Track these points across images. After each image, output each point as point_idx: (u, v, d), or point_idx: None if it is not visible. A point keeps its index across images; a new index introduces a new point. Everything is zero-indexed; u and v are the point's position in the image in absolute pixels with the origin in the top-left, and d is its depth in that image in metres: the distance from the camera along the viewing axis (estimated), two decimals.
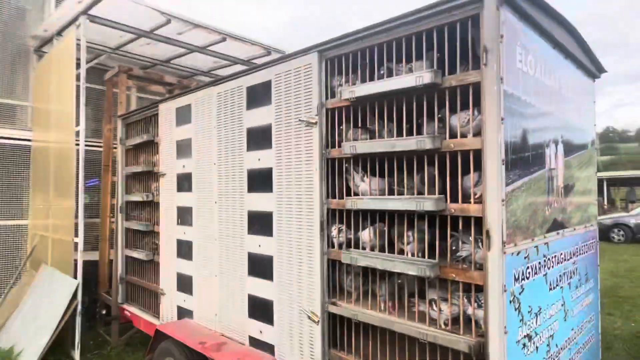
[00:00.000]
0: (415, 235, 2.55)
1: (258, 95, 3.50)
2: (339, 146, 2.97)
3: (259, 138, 3.49)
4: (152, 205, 5.16)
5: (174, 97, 4.59)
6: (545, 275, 2.62)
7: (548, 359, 2.63)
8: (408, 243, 2.62)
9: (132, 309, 5.36)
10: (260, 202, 3.47)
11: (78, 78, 5.28)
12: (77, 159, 5.25)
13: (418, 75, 2.37)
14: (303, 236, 3.10)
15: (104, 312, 5.93)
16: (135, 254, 5.23)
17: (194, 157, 4.24)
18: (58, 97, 5.70)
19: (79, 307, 5.01)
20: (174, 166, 4.53)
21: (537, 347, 2.48)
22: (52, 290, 5.19)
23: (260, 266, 3.46)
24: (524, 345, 2.34)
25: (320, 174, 2.98)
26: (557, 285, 2.80)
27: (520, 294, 2.29)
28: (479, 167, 2.32)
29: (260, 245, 3.46)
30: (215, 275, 3.94)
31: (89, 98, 5.19)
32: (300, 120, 3.11)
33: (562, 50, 2.98)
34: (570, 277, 3.04)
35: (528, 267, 2.40)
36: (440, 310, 2.40)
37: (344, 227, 2.94)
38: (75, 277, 5.10)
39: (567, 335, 2.96)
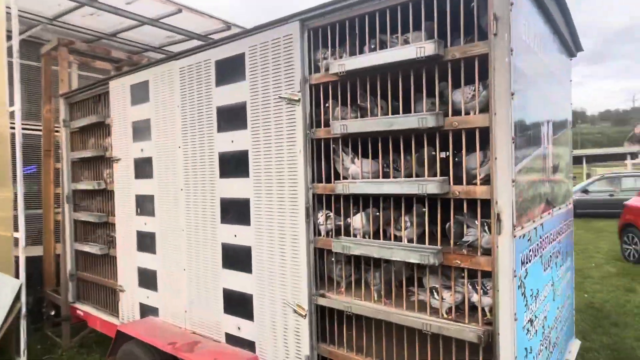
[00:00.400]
0: (415, 220, 2.38)
1: (230, 70, 3.16)
2: (326, 125, 2.73)
3: (232, 118, 3.16)
4: (104, 194, 4.66)
5: (128, 73, 4.11)
6: (541, 256, 2.57)
7: (543, 340, 2.60)
8: (405, 229, 2.45)
9: (85, 308, 4.88)
10: (234, 188, 3.17)
11: (10, 52, 4.61)
12: (13, 144, 4.63)
13: (419, 46, 2.16)
14: (286, 224, 2.85)
15: (52, 312, 5.38)
16: (87, 248, 4.74)
17: (154, 139, 3.82)
18: None
19: (24, 310, 4.48)
20: (130, 150, 4.08)
21: (536, 331, 2.43)
22: None
23: (237, 258, 3.18)
24: (528, 330, 2.27)
25: (305, 156, 2.73)
26: (548, 265, 2.76)
27: (525, 278, 2.20)
28: (482, 146, 2.17)
29: (237, 235, 3.17)
30: (183, 269, 3.61)
31: (21, 76, 4.54)
32: (280, 97, 2.82)
33: (552, 26, 2.89)
34: (557, 257, 3.04)
35: (530, 250, 2.32)
36: (442, 298, 2.27)
37: (332, 214, 2.73)
38: (17, 277, 4.55)
39: (554, 314, 2.96)
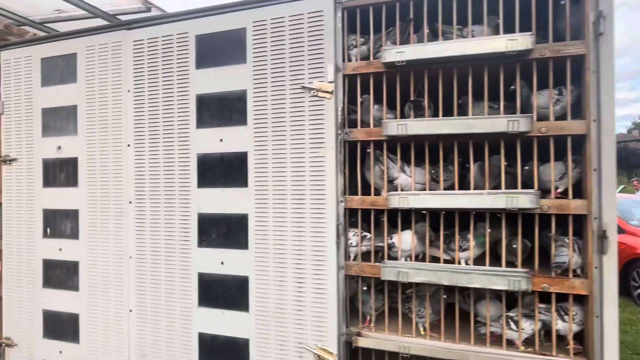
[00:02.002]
0: (472, 239, 2.06)
1: (219, 49, 2.46)
2: (362, 125, 2.26)
3: (223, 110, 2.45)
4: None
5: (37, 41, 2.98)
6: None
7: None
8: (463, 249, 2.11)
9: None
10: (222, 201, 2.44)
11: None
12: None
13: (511, 39, 1.88)
14: (305, 247, 2.26)
15: None
16: None
17: (82, 134, 2.80)
18: None
19: None
20: (37, 148, 2.95)
21: None
22: None
23: (224, 292, 2.44)
24: None
25: (337, 162, 2.21)
26: None
27: None
28: (560, 156, 1.98)
29: (224, 262, 2.44)
30: (129, 310, 2.67)
31: None
32: (303, 87, 2.25)
33: None
34: None
35: None
36: (521, 328, 1.98)
37: (370, 234, 2.24)
38: None
39: None
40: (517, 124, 1.88)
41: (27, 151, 2.98)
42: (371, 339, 2.17)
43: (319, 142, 2.24)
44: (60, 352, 2.86)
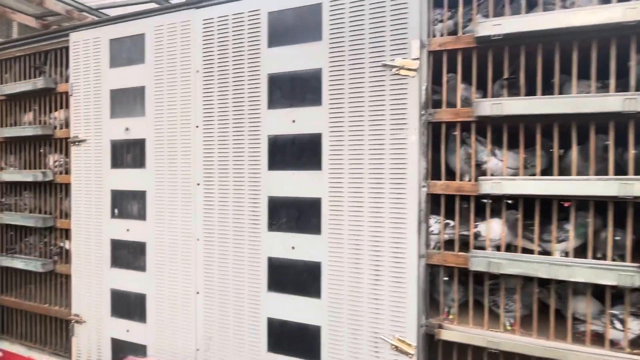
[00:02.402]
0: (571, 229, 1.88)
1: (292, 26, 2.36)
2: (447, 105, 2.11)
3: (296, 90, 2.36)
4: (48, 189, 3.39)
5: (105, 22, 2.98)
6: None
7: None
8: (560, 240, 1.95)
9: (6, 346, 3.50)
10: (294, 184, 2.37)
11: None
12: None
13: (629, 7, 1.68)
14: (384, 233, 2.15)
15: None
16: (18, 263, 3.39)
17: (150, 115, 2.79)
18: None
19: None
20: (105, 129, 2.97)
21: None
22: None
23: (295, 278, 2.38)
24: None
25: (420, 145, 2.08)
26: None
27: None
28: None
29: (295, 247, 2.37)
30: (196, 292, 2.66)
31: None
32: (384, 65, 2.13)
33: None
34: None
35: None
36: (628, 328, 1.81)
37: (454, 221, 2.11)
38: None
39: None
40: (635, 102, 1.68)
41: (96, 132, 3.01)
42: (455, 332, 2.05)
43: (401, 123, 2.11)
44: (128, 330, 2.90)
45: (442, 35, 2.12)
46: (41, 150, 3.41)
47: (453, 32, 2.11)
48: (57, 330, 3.33)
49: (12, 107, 3.58)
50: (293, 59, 2.36)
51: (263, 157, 2.44)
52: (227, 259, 2.56)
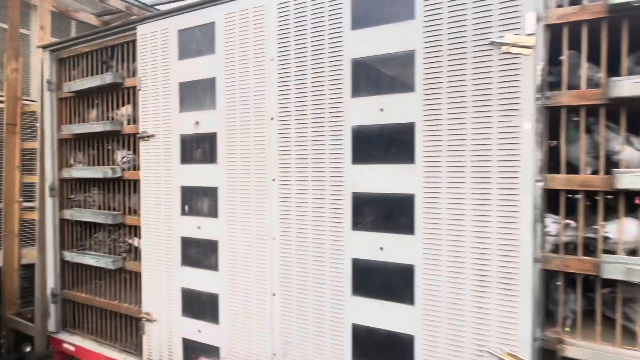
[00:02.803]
0: None
1: (380, 5, 2.15)
2: (572, 87, 1.83)
3: (385, 75, 2.15)
4: (116, 185, 3.37)
5: (174, 13, 2.88)
6: None
7: None
8: None
9: (78, 341, 3.53)
10: (382, 179, 2.16)
11: None
12: None
13: None
14: (491, 233, 1.91)
15: (28, 348, 3.92)
16: (89, 260, 3.39)
17: (221, 108, 2.66)
18: None
19: None
20: (175, 123, 2.87)
21: None
22: None
23: (384, 282, 2.18)
24: None
25: (534, 134, 1.81)
26: None
27: None
28: None
29: (384, 248, 2.17)
30: (272, 294, 2.52)
31: None
32: (493, 42, 1.87)
33: None
34: None
35: None
36: None
37: (580, 220, 1.83)
38: None
39: None
40: None
41: (165, 127, 2.92)
42: (584, 349, 1.78)
43: (511, 108, 1.85)
44: (200, 331, 2.81)
45: (559, 6, 1.83)
46: (109, 147, 3.39)
47: (574, 2, 1.83)
48: (127, 327, 3.31)
49: (78, 104, 3.58)
50: (380, 41, 2.14)
51: (346, 150, 2.25)
52: (306, 260, 2.39)
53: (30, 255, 4.08)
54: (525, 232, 1.84)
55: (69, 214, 3.54)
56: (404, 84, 2.09)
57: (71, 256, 3.52)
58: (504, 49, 1.84)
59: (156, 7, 5.84)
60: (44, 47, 3.67)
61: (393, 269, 2.14)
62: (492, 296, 1.91)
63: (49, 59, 3.65)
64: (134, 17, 4.73)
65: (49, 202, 3.67)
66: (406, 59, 2.07)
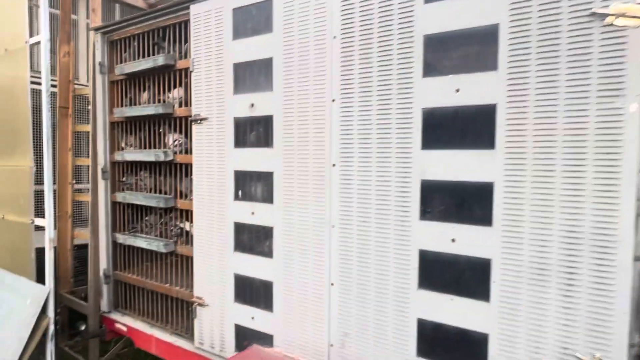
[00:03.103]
0: None
1: None
2: None
3: (461, 53, 1.97)
4: (168, 169, 3.35)
5: None
6: None
7: None
8: None
9: (130, 322, 3.59)
10: (456, 165, 2.00)
11: None
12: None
13: None
14: (583, 226, 1.73)
15: (83, 327, 4.04)
16: (141, 243, 3.41)
17: (278, 89, 2.56)
18: None
19: (52, 328, 3.16)
20: (228, 106, 2.80)
21: None
22: (3, 307, 3.23)
23: (455, 275, 2.03)
24: None
25: None
26: None
27: None
28: None
29: (456, 239, 2.02)
30: (331, 283, 2.43)
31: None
32: (593, 14, 1.66)
33: None
34: None
35: None
36: None
37: None
38: (42, 282, 3.21)
39: None
40: None
41: (218, 110, 2.85)
42: None
43: (614, 89, 1.65)
44: (253, 318, 2.77)
45: None
46: (160, 130, 3.37)
47: None
48: (178, 310, 3.33)
49: (130, 86, 3.57)
50: (457, 14, 1.96)
51: (415, 134, 2.10)
52: (369, 250, 2.28)
53: (81, 235, 4.17)
54: (625, 227, 1.65)
55: (121, 196, 3.57)
56: (484, 62, 1.91)
57: (123, 238, 3.55)
58: (608, 20, 1.63)
59: None
60: (96, 29, 3.67)
61: (465, 262, 2.00)
62: (582, 296, 1.74)
63: (100, 42, 3.64)
64: None
65: (101, 185, 3.72)
66: (488, 34, 1.89)
